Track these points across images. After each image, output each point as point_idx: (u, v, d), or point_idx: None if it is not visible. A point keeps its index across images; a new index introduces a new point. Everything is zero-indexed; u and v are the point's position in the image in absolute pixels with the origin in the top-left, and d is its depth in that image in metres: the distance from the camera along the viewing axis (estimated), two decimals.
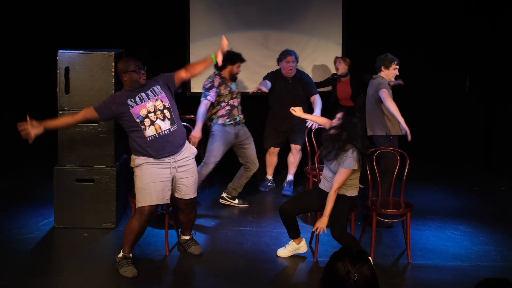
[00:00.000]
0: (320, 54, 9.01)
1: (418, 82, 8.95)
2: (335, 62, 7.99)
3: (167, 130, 5.17)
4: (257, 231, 6.41)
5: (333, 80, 8.17)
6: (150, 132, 5.14)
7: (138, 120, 5.14)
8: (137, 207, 5.28)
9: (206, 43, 8.94)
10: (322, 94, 7.79)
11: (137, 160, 5.22)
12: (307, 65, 8.95)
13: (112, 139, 6.33)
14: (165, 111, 5.19)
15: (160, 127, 5.16)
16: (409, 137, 6.10)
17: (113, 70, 6.24)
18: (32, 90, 8.86)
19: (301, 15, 8.95)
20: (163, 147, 5.17)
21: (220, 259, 5.72)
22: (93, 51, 6.30)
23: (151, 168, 5.16)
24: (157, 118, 5.16)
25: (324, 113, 7.69)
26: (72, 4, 8.91)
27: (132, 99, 5.19)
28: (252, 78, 8.97)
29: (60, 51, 6.28)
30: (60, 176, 6.35)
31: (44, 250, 5.88)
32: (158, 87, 5.29)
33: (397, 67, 6.58)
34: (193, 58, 8.95)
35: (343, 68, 7.86)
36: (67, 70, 6.25)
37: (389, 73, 6.56)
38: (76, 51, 6.28)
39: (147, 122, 5.13)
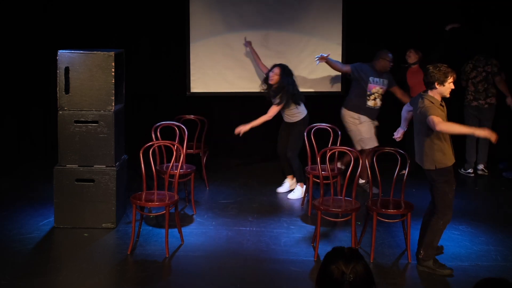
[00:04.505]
0: None
1: None
2: (407, 53, 8.42)
3: (377, 107, 7.71)
4: (257, 231, 6.41)
5: (403, 69, 8.44)
6: (369, 103, 7.65)
7: (368, 92, 7.64)
8: None
9: (206, 43, 8.94)
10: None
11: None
12: (307, 65, 8.95)
13: (112, 139, 6.32)
14: (380, 96, 7.71)
15: (375, 104, 7.68)
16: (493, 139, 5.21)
17: (113, 70, 6.24)
18: (32, 90, 8.86)
19: (301, 15, 8.95)
20: (371, 114, 7.73)
21: (220, 259, 5.72)
22: (93, 51, 6.30)
23: (369, 122, 7.73)
24: (375, 98, 7.66)
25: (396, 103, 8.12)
26: (72, 4, 8.91)
27: (373, 78, 7.66)
28: (252, 78, 8.98)
29: (60, 51, 6.28)
30: (60, 176, 6.35)
31: (44, 250, 5.88)
32: (386, 81, 7.71)
33: (453, 79, 5.38)
34: (193, 58, 8.95)
35: (414, 58, 8.33)
36: (67, 70, 6.25)
37: (444, 90, 5.35)
38: (76, 51, 6.28)
39: (371, 97, 7.66)
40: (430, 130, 5.28)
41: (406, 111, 5.95)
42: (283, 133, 7.74)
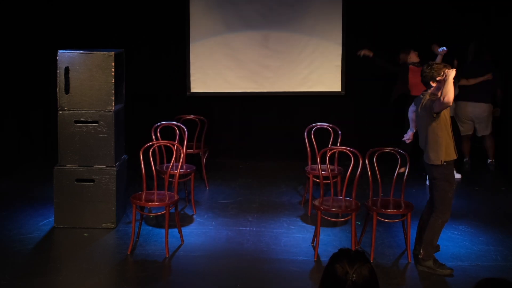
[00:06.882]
0: (320, 54, 9.02)
1: None
2: (407, 53, 8.33)
3: None
4: (257, 231, 6.41)
5: (404, 67, 8.32)
6: None
7: None
8: None
9: (206, 43, 8.95)
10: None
11: None
12: (307, 65, 8.95)
13: (112, 139, 6.33)
14: None
15: None
16: None
17: (113, 70, 6.24)
18: (32, 90, 8.86)
19: (301, 15, 8.95)
20: None
21: (220, 259, 5.72)
22: (93, 51, 6.31)
23: None
24: None
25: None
26: (72, 4, 8.92)
27: None
28: (252, 78, 8.98)
29: (60, 51, 6.28)
30: (60, 176, 6.35)
31: (44, 250, 5.88)
32: None
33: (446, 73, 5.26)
34: (193, 58, 8.96)
35: (414, 58, 8.26)
36: (67, 70, 6.25)
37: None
38: (76, 51, 6.29)
39: None
40: (435, 124, 5.33)
41: (411, 112, 5.92)
42: None
